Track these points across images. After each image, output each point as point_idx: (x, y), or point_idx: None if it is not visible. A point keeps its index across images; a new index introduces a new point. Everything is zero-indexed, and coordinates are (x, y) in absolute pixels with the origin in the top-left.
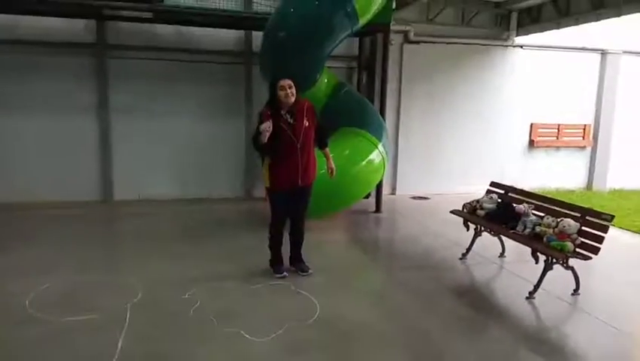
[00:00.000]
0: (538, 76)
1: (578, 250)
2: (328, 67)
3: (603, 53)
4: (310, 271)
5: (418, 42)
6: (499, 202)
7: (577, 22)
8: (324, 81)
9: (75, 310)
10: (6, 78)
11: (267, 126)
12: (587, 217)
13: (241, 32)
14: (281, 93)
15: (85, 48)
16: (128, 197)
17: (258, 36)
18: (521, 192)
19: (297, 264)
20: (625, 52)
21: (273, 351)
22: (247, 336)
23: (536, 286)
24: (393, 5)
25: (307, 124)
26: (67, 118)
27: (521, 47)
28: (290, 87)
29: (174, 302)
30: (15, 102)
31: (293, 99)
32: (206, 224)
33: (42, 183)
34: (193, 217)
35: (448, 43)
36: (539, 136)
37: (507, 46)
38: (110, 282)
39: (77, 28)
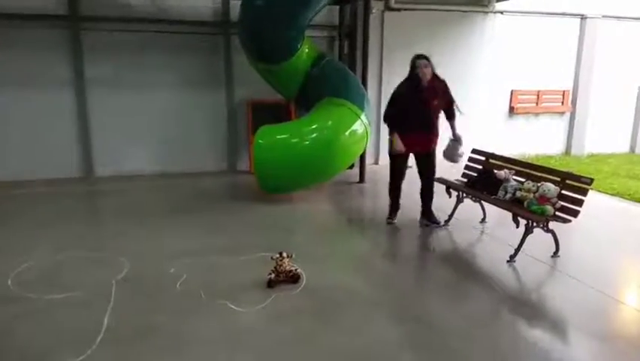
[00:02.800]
0: (518, 42)
1: (557, 213)
2: (309, 36)
3: (583, 18)
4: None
5: (399, 9)
6: (480, 170)
7: None
8: (304, 51)
9: (59, 288)
10: None
11: (401, 148)
12: (567, 181)
13: (218, 1)
14: (419, 71)
15: (57, 20)
16: (108, 173)
17: (235, 5)
18: (502, 158)
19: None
20: (604, 16)
21: (262, 321)
22: (235, 308)
23: (517, 250)
24: None
25: (436, 102)
26: (42, 93)
27: (501, 12)
28: (426, 66)
29: (160, 277)
30: None
31: (428, 77)
32: (189, 198)
33: (18, 160)
34: (176, 192)
35: (429, 10)
36: (519, 103)
37: (487, 12)
38: (94, 259)
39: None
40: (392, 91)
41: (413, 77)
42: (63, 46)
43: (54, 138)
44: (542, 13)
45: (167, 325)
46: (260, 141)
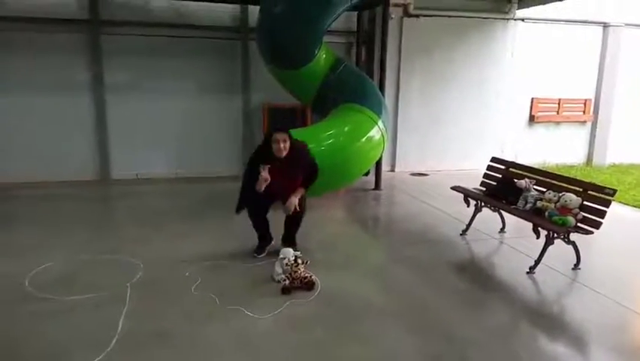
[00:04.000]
0: (539, 50)
1: (579, 224)
2: (326, 42)
3: (605, 26)
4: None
5: (417, 16)
6: (499, 178)
7: None
8: (322, 57)
9: (75, 290)
10: None
11: (266, 177)
12: (589, 192)
13: (237, 7)
14: (274, 146)
15: (77, 25)
16: (125, 176)
17: (254, 10)
18: (523, 167)
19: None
20: (627, 24)
21: (276, 328)
22: (249, 313)
23: (537, 261)
24: None
25: (296, 178)
26: (62, 96)
27: (522, 20)
28: (284, 141)
29: (175, 281)
30: (7, 81)
31: (285, 153)
32: (205, 203)
33: (38, 162)
34: (192, 196)
35: (448, 16)
36: (540, 111)
37: (508, 19)
38: (109, 261)
39: (69, 4)
40: (410, 98)
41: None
42: (83, 50)
43: (73, 141)
44: (564, 21)
45: (181, 329)
46: None
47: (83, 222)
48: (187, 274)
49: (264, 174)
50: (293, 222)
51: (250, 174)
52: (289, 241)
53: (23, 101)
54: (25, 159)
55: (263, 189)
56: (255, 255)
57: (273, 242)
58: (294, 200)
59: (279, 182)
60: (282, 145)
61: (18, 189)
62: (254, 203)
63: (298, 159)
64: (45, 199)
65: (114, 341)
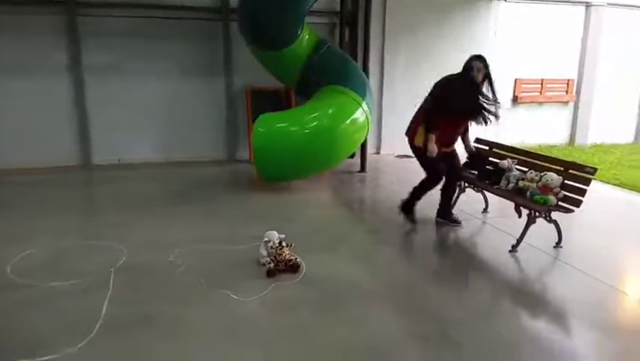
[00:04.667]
0: (522, 30)
1: (560, 203)
2: (309, 23)
3: (588, 6)
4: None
5: None
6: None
7: None
8: (304, 38)
9: (58, 276)
10: None
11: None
12: (570, 171)
13: None
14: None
15: (53, 6)
16: (107, 161)
17: None
18: (505, 147)
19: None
20: (609, 4)
21: (261, 310)
22: (234, 297)
23: (519, 240)
24: None
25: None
26: (39, 80)
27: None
28: (479, 70)
29: (159, 265)
30: None
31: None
32: (188, 187)
33: (17, 148)
34: (175, 181)
35: None
36: (523, 92)
37: None
38: (92, 247)
39: None
40: (394, 79)
41: (468, 79)
42: (59, 32)
43: (51, 126)
44: (547, 1)
45: (166, 313)
46: (259, 129)
47: (65, 208)
48: (171, 258)
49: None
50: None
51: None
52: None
53: None
54: (3, 145)
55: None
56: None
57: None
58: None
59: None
60: (481, 74)
61: None
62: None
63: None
64: (26, 185)
65: (98, 325)
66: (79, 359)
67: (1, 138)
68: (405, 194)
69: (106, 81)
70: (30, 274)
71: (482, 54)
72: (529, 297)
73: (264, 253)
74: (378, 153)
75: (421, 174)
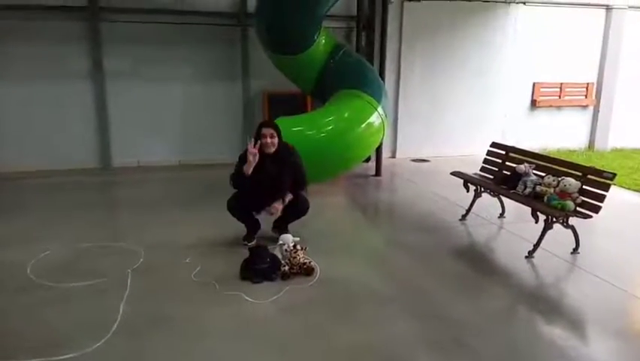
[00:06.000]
0: (541, 33)
1: (578, 209)
2: (326, 27)
3: (608, 9)
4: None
5: (418, 0)
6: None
7: None
8: (321, 42)
9: (76, 276)
10: None
11: (254, 155)
12: (589, 176)
13: None
14: (262, 141)
15: (76, 12)
16: (126, 164)
17: None
18: (522, 152)
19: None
20: (630, 7)
21: (275, 313)
22: (248, 299)
23: (536, 246)
24: None
25: (284, 179)
26: (61, 84)
27: (524, 3)
28: (272, 136)
29: (175, 267)
30: (5, 69)
31: (273, 149)
32: (205, 190)
33: (38, 151)
34: (192, 183)
35: (449, 0)
36: (541, 95)
37: (509, 2)
38: (110, 248)
39: None
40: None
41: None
42: (82, 37)
43: (73, 129)
44: (566, 4)
45: (181, 314)
46: None
47: (84, 210)
48: (187, 260)
49: (251, 148)
50: (294, 214)
51: (238, 174)
52: (281, 227)
53: (23, 90)
54: (26, 149)
55: (250, 171)
56: (245, 243)
57: (260, 228)
58: (279, 206)
59: (266, 180)
60: (269, 140)
61: (19, 179)
62: (241, 209)
63: (287, 158)
64: (46, 188)
65: (115, 325)
66: (97, 359)
67: (23, 142)
68: (420, 198)
69: (126, 86)
70: (49, 275)
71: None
72: (546, 303)
73: (279, 256)
74: (393, 157)
75: (442, 179)
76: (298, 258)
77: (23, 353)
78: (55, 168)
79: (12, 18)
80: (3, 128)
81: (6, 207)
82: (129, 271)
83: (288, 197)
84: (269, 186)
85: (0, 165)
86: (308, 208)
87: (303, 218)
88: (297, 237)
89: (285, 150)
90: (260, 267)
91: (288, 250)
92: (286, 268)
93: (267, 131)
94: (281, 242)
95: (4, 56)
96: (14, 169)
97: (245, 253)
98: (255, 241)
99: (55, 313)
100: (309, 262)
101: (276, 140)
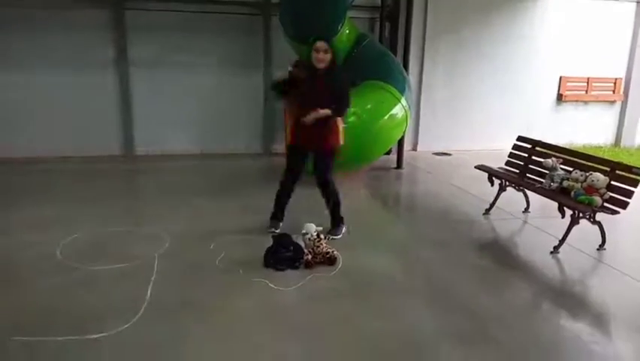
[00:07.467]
0: (568, 27)
1: (605, 204)
2: (350, 17)
3: (638, 3)
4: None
5: None
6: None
7: None
8: (345, 32)
9: (104, 259)
10: (20, 33)
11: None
12: (617, 171)
13: None
14: (313, 55)
15: (101, 1)
16: (149, 152)
17: None
18: (549, 146)
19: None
20: None
21: (299, 300)
22: (272, 286)
23: (561, 241)
24: None
25: (331, 97)
26: (86, 73)
27: None
28: (326, 52)
29: (200, 253)
30: (31, 58)
31: (323, 65)
32: (227, 179)
33: (63, 138)
34: (214, 172)
35: None
36: (568, 90)
37: None
38: (136, 233)
39: None
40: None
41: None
42: (106, 26)
43: (97, 117)
44: None
45: (207, 299)
46: None
47: (109, 196)
48: (212, 246)
49: (295, 70)
50: (328, 201)
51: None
52: (336, 222)
53: (49, 78)
54: (51, 135)
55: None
56: (272, 230)
57: (281, 224)
58: (316, 113)
59: (312, 97)
60: (321, 55)
61: (44, 164)
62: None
63: (337, 77)
64: (71, 174)
65: (143, 307)
66: (127, 338)
67: (49, 128)
68: (442, 191)
69: (149, 74)
70: (78, 258)
71: None
72: (571, 298)
73: (302, 245)
74: (414, 150)
75: (465, 173)
76: (321, 247)
77: (57, 330)
78: (80, 155)
79: (36, 7)
80: (29, 114)
81: (34, 191)
82: (156, 255)
83: (325, 112)
84: (314, 100)
85: (27, 151)
86: (338, 195)
87: (324, 209)
88: (320, 227)
89: (337, 69)
90: (284, 255)
91: (311, 239)
92: (309, 256)
93: (320, 45)
94: (304, 231)
95: (31, 43)
96: (41, 154)
97: (268, 241)
98: (279, 229)
99: (86, 294)
100: (332, 252)
101: (329, 56)
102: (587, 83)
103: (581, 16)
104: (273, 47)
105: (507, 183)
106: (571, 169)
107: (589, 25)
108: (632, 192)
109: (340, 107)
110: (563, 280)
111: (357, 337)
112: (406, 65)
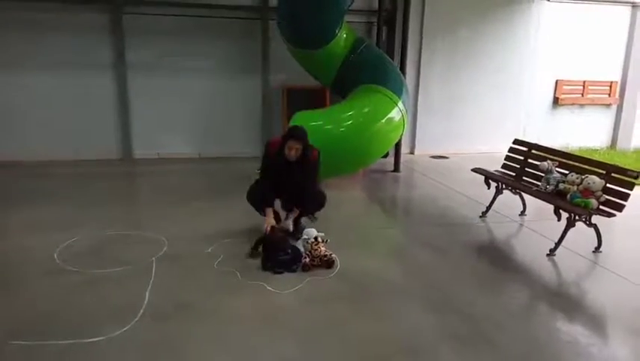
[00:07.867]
0: (564, 30)
1: (601, 207)
2: (347, 21)
3: (634, 6)
4: None
5: None
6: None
7: None
8: (342, 36)
9: (102, 263)
10: (20, 36)
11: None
12: (613, 174)
13: None
14: (286, 151)
15: (99, 4)
16: (146, 155)
17: None
18: (545, 149)
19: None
20: None
21: (296, 303)
22: (270, 289)
23: (557, 244)
24: None
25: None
26: (84, 76)
27: None
28: (297, 151)
29: (198, 256)
30: (30, 61)
31: (294, 159)
32: (225, 182)
33: (60, 141)
34: (212, 176)
35: None
36: (564, 93)
37: None
38: (134, 237)
39: None
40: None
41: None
42: (104, 29)
43: (95, 120)
44: (591, 1)
45: (205, 302)
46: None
47: (107, 199)
48: (210, 250)
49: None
50: (310, 205)
51: (260, 185)
52: (297, 221)
53: (48, 81)
54: (50, 138)
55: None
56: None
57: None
58: (289, 223)
59: (284, 181)
60: (293, 152)
61: (41, 168)
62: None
63: (306, 165)
64: (70, 177)
65: (141, 311)
66: (125, 341)
67: (48, 131)
68: (439, 194)
69: (147, 78)
70: (76, 261)
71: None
72: (567, 301)
73: (301, 248)
74: (412, 153)
75: (461, 176)
76: (319, 250)
77: (54, 334)
78: (78, 158)
79: (36, 10)
80: (28, 118)
81: (32, 195)
82: (153, 259)
83: (294, 213)
84: (288, 185)
85: (25, 154)
86: (324, 200)
87: (324, 211)
88: (322, 232)
89: (307, 158)
90: (282, 258)
91: (310, 242)
92: (307, 259)
93: (292, 144)
94: (305, 236)
95: (29, 47)
96: (39, 158)
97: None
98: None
99: (84, 298)
100: (330, 255)
101: (300, 150)
102: (583, 86)
103: (576, 20)
104: (271, 51)
105: (503, 186)
106: (567, 172)
107: (585, 28)
108: (628, 194)
109: (307, 208)
110: (560, 283)
111: (355, 340)
112: (402, 69)
